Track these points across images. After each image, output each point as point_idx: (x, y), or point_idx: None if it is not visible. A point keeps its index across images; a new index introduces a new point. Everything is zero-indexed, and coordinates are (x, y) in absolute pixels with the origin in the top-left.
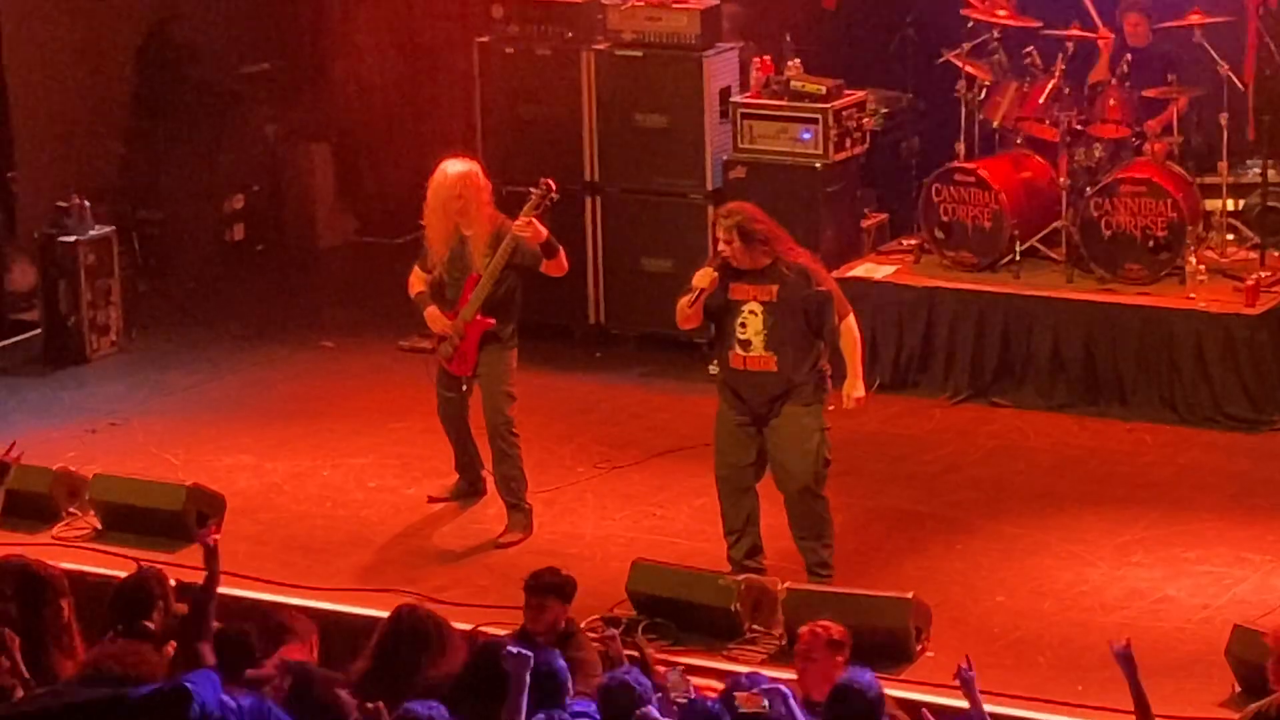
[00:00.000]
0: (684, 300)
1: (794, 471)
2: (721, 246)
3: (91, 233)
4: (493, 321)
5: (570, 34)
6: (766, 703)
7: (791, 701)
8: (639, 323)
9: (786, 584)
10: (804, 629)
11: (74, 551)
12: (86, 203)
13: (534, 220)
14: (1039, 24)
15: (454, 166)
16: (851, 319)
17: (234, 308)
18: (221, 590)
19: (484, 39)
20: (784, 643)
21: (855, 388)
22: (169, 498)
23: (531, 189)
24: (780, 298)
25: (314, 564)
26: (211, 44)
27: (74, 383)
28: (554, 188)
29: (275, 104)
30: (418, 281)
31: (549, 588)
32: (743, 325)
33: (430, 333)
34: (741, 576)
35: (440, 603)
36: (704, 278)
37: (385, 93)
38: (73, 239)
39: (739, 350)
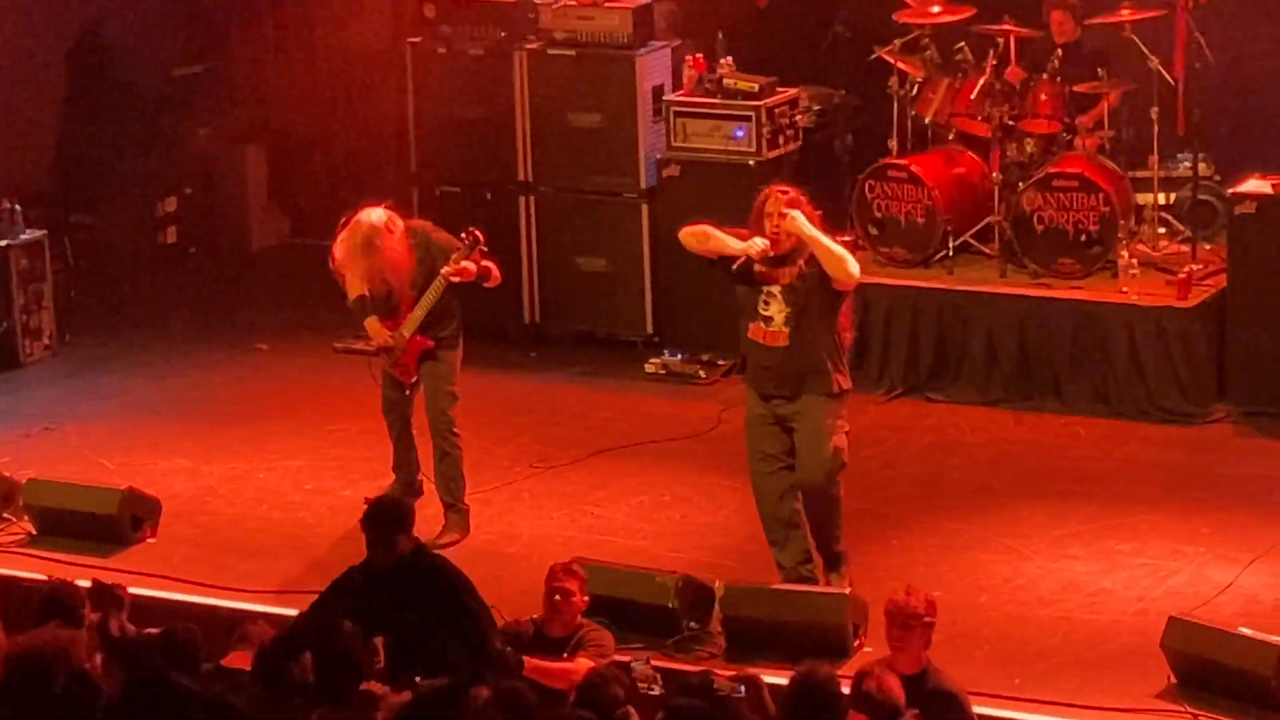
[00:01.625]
0: (720, 241)
1: (810, 470)
2: (779, 221)
3: (23, 237)
4: (431, 343)
5: (503, 34)
6: (743, 687)
7: (764, 690)
8: (575, 322)
9: (723, 581)
10: None
11: (7, 556)
12: (18, 206)
13: (464, 266)
14: (971, 11)
15: (361, 224)
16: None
17: (167, 311)
18: (160, 594)
19: (416, 39)
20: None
21: (796, 223)
22: (104, 502)
23: (461, 235)
24: (801, 277)
25: (251, 567)
26: (143, 46)
27: (7, 387)
28: (482, 239)
29: (207, 106)
30: (355, 284)
31: (393, 522)
32: (765, 304)
33: (366, 334)
34: (678, 576)
35: None
36: (761, 251)
37: (318, 94)
38: (4, 243)
39: (760, 324)
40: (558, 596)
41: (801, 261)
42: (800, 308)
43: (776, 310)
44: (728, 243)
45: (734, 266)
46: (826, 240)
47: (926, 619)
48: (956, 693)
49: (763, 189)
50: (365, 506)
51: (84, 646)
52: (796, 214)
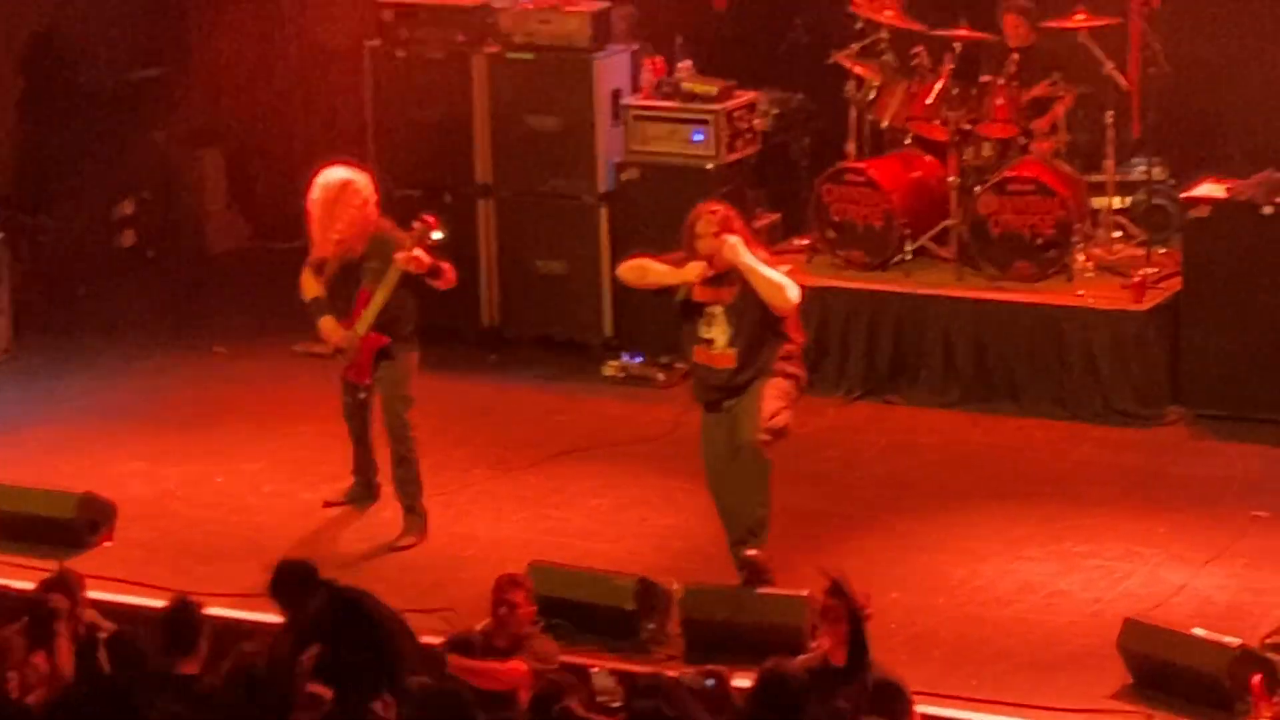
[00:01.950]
0: (659, 273)
1: (743, 428)
2: (709, 241)
3: None
4: (386, 340)
5: (461, 37)
6: (710, 681)
7: (731, 685)
8: (533, 325)
9: (682, 583)
10: None
11: None
12: None
13: (416, 255)
14: (926, 25)
15: (334, 175)
16: (795, 348)
17: (125, 314)
18: (117, 599)
19: (375, 43)
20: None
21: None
22: (60, 506)
23: (414, 223)
24: (740, 297)
25: (209, 571)
26: (99, 49)
27: None
28: (434, 224)
29: (165, 109)
30: (311, 285)
31: (299, 584)
32: (707, 325)
33: (322, 336)
34: (636, 579)
35: None
36: (701, 273)
37: (276, 97)
38: None
39: (703, 347)
40: (503, 609)
41: (742, 280)
42: (743, 327)
43: (719, 331)
44: (665, 274)
45: (677, 299)
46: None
47: (866, 611)
48: (896, 681)
49: (726, 201)
50: (323, 507)
51: (20, 650)
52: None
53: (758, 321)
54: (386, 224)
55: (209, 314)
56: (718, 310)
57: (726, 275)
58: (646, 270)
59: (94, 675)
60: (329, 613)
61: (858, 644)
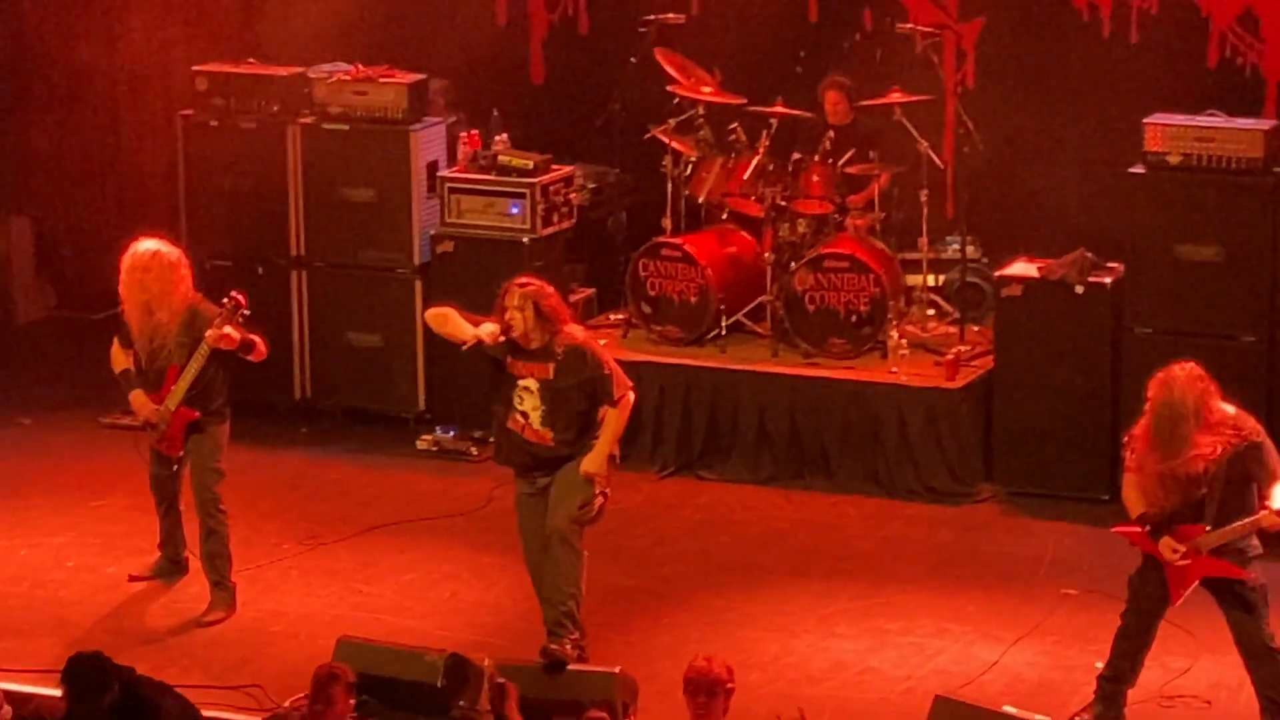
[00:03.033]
0: (457, 326)
1: (554, 514)
2: (510, 314)
3: None
4: (196, 414)
5: (276, 107)
6: None
7: None
8: (346, 397)
9: (492, 659)
10: None
11: None
12: None
13: (227, 333)
14: (743, 100)
15: (145, 245)
16: (629, 398)
17: None
18: None
19: (187, 112)
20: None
21: (593, 462)
22: None
23: (223, 300)
24: (555, 376)
25: (10, 645)
26: None
27: None
28: (243, 303)
29: None
30: (121, 358)
31: (90, 688)
32: (519, 399)
33: (133, 409)
34: (447, 655)
35: None
36: (491, 335)
37: (87, 165)
38: None
39: (518, 418)
40: (319, 705)
41: (559, 359)
42: (559, 406)
43: (531, 407)
44: (463, 328)
45: (462, 349)
46: (613, 436)
47: (729, 685)
48: None
49: (542, 274)
50: (129, 581)
51: None
52: (595, 472)
53: (573, 405)
54: (197, 297)
55: (14, 384)
56: (532, 385)
57: (543, 350)
58: (446, 320)
59: None
60: (122, 706)
61: None
